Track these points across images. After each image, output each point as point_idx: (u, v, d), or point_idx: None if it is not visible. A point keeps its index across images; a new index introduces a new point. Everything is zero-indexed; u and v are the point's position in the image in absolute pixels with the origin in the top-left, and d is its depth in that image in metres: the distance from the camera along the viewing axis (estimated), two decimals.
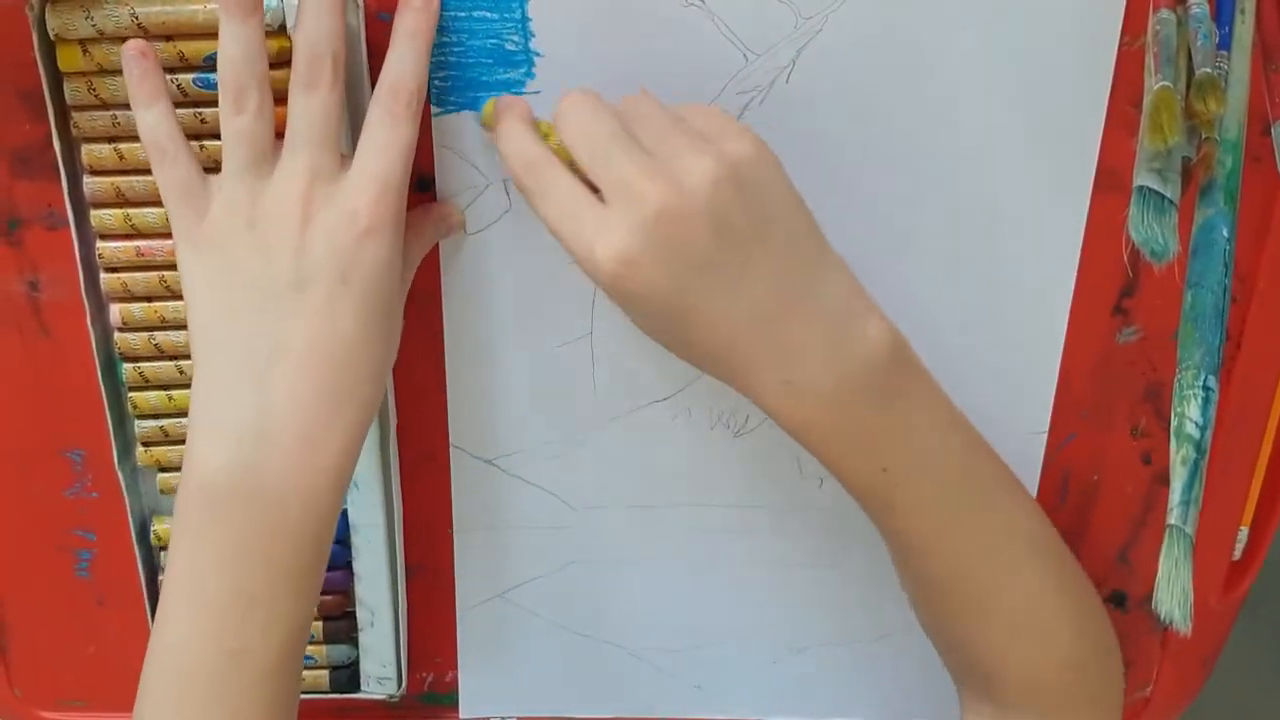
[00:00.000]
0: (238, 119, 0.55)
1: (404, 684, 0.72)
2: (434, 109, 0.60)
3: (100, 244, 0.62)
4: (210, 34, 0.57)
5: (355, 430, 0.56)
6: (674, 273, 0.52)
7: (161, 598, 0.57)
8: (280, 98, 0.57)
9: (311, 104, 0.55)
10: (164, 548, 0.69)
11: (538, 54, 0.59)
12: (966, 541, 0.60)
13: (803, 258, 0.55)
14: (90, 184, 0.60)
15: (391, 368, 0.60)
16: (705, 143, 0.53)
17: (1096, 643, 0.66)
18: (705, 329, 0.54)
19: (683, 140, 0.53)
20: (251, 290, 0.55)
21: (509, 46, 0.59)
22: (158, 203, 0.60)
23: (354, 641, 0.71)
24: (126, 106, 0.58)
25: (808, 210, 0.56)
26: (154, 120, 0.56)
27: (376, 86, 0.56)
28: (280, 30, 0.57)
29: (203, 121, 0.59)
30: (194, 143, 0.59)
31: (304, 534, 0.55)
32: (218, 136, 0.59)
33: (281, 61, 0.58)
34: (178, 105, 0.58)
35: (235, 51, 0.54)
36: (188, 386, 0.64)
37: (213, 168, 0.59)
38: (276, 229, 0.55)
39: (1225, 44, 0.55)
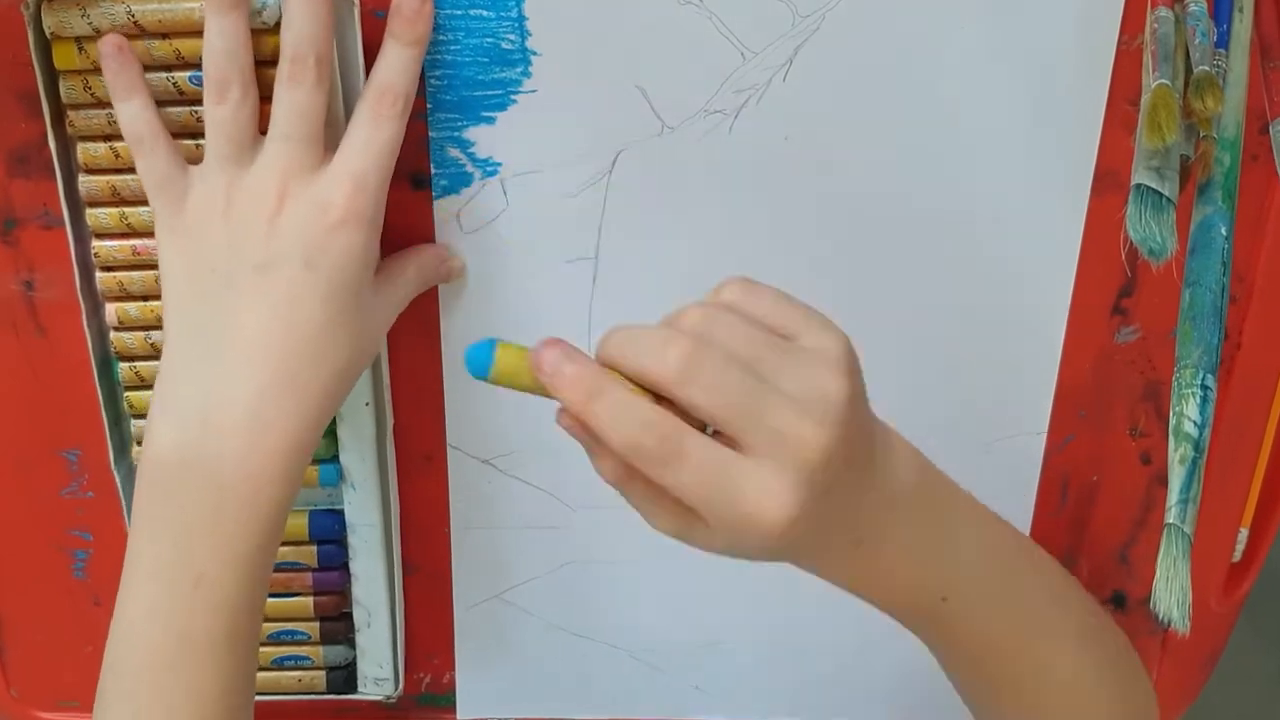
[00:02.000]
0: (219, 109, 0.56)
1: (401, 685, 0.72)
2: (429, 107, 0.60)
3: (96, 243, 0.62)
4: None
5: (311, 417, 0.56)
6: (830, 511, 0.50)
7: (122, 575, 0.57)
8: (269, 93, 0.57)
9: (295, 99, 0.56)
10: None
11: (534, 53, 0.59)
12: (1012, 641, 0.60)
13: (869, 441, 0.53)
14: (86, 183, 0.60)
15: (364, 366, 0.60)
16: (819, 358, 0.50)
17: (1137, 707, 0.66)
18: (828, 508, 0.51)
19: (798, 363, 0.50)
20: (216, 273, 0.56)
21: (505, 45, 0.59)
22: None
23: (351, 642, 0.71)
24: None
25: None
26: (132, 112, 0.57)
27: (365, 86, 0.57)
28: (276, 27, 0.57)
29: (199, 120, 0.59)
30: (190, 141, 0.59)
31: (251, 517, 0.55)
32: None
33: (276, 60, 0.57)
34: (174, 103, 0.58)
35: (218, 44, 0.55)
36: None
37: None
38: (248, 215, 0.56)
39: (1223, 42, 0.55)
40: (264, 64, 0.57)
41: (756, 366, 0.49)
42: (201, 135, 0.59)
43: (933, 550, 0.56)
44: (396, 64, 0.56)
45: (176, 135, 0.59)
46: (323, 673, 0.72)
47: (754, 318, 0.51)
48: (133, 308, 0.63)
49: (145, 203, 0.60)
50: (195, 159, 0.58)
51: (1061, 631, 0.62)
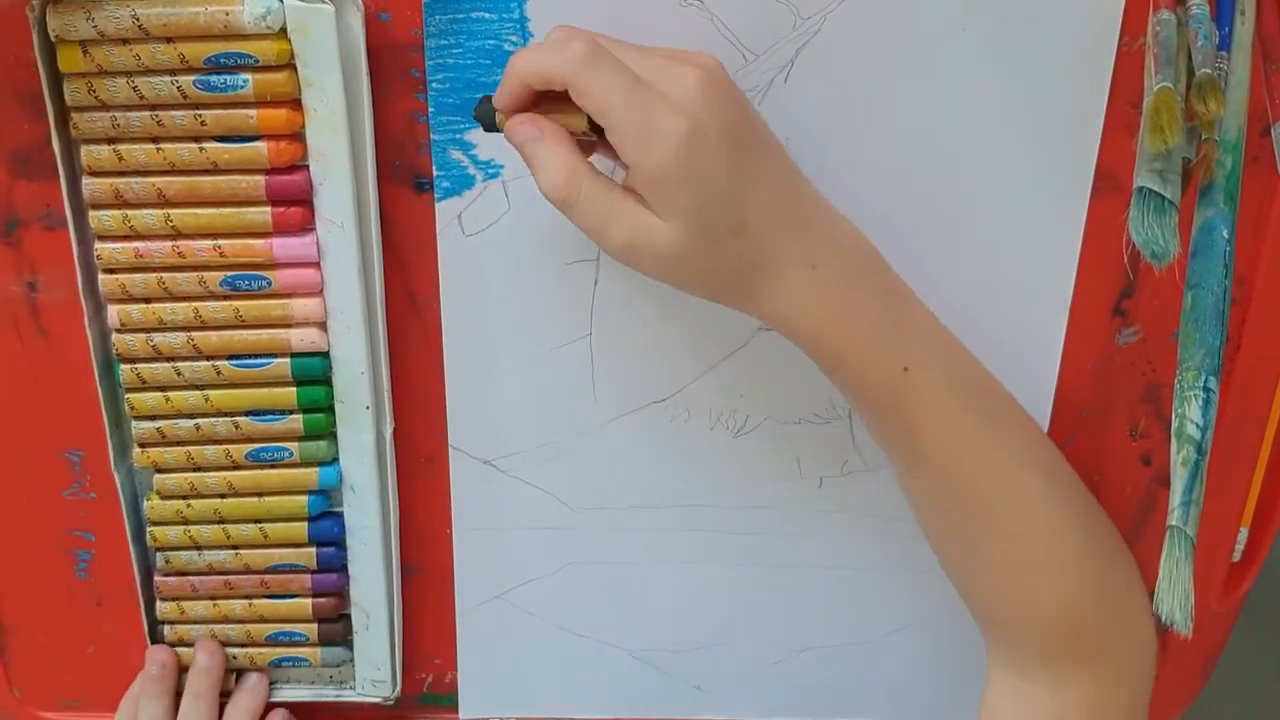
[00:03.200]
0: None
1: (398, 687, 0.72)
2: (431, 110, 0.60)
3: (99, 245, 0.62)
4: (211, 36, 0.57)
5: None
6: (729, 143, 0.54)
7: None
8: (281, 101, 0.57)
9: None
10: (160, 549, 0.69)
11: None
12: (979, 452, 0.61)
13: (780, 151, 0.58)
14: (89, 185, 0.60)
15: None
16: (687, 68, 0.55)
17: (1110, 591, 0.65)
18: (756, 207, 0.56)
19: (666, 51, 0.56)
20: None
21: (507, 47, 0.59)
22: (156, 204, 0.61)
23: (349, 644, 0.71)
24: (126, 108, 0.59)
25: None
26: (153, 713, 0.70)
27: None
28: (281, 33, 0.57)
29: (202, 124, 0.59)
30: (194, 144, 0.59)
31: None
32: (217, 138, 0.59)
33: (280, 65, 0.58)
34: (177, 107, 0.58)
35: None
36: (184, 388, 0.64)
37: (211, 169, 0.59)
38: None
39: (1225, 45, 0.55)
40: (268, 69, 0.58)
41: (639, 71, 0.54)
42: (203, 140, 0.59)
43: (891, 314, 0.59)
44: None
45: (180, 139, 0.59)
46: (321, 673, 0.73)
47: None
48: (135, 310, 0.63)
49: (148, 206, 0.61)
50: (197, 163, 0.58)
51: (1027, 457, 0.63)
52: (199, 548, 0.69)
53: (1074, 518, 0.64)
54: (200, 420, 0.65)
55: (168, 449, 0.66)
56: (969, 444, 0.61)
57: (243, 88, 0.58)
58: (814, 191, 0.59)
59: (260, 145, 0.59)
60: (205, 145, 0.59)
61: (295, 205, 0.61)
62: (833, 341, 0.58)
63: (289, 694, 0.73)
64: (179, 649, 0.71)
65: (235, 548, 0.68)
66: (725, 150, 0.54)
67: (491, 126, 0.57)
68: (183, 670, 0.71)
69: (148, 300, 0.63)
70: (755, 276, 0.57)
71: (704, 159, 0.54)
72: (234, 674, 0.72)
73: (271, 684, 0.73)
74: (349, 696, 0.73)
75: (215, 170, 0.60)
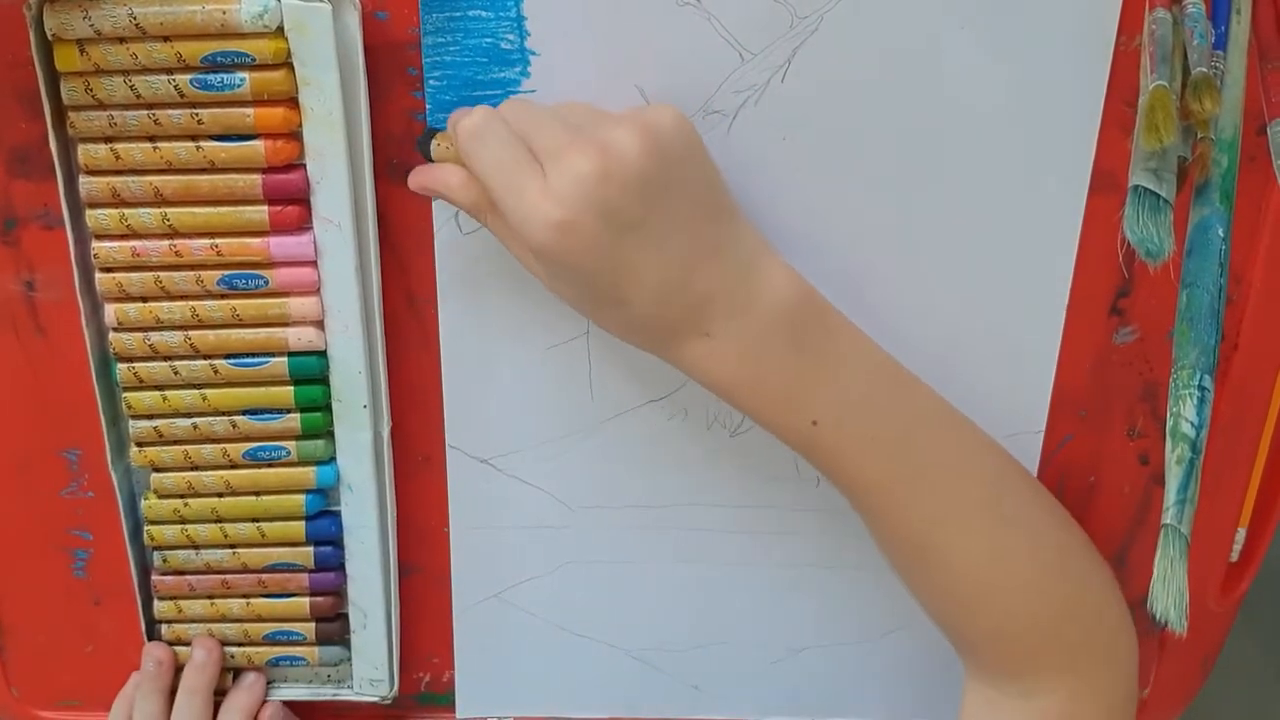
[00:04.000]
0: None
1: (396, 686, 0.72)
2: (429, 108, 0.60)
3: (96, 244, 0.62)
4: (208, 34, 0.57)
5: None
6: (611, 231, 0.54)
7: None
8: (278, 99, 0.58)
9: None
10: (157, 548, 0.69)
11: (533, 53, 0.59)
12: (904, 501, 0.61)
13: (713, 214, 0.57)
14: (86, 184, 0.60)
15: None
16: (624, 117, 0.55)
17: (1077, 609, 0.64)
18: (636, 287, 0.56)
19: (603, 117, 0.56)
20: None
21: (504, 45, 0.59)
22: (153, 203, 0.61)
23: (346, 643, 0.71)
24: (123, 107, 0.59)
25: (718, 171, 0.58)
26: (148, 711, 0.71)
27: None
28: (278, 31, 0.57)
29: (200, 122, 0.59)
30: (190, 143, 0.59)
31: None
32: (215, 137, 0.59)
33: (277, 63, 0.58)
34: (174, 106, 0.59)
35: None
36: (182, 387, 0.64)
37: (208, 168, 0.59)
38: None
39: (1221, 43, 0.55)
40: (266, 67, 0.58)
41: (554, 118, 0.56)
42: (200, 139, 0.59)
43: (803, 371, 0.59)
44: None
45: (177, 138, 0.59)
46: (318, 673, 0.73)
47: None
48: (132, 309, 0.63)
49: (146, 205, 0.61)
50: (193, 162, 0.58)
51: (969, 499, 0.62)
52: (196, 547, 0.69)
53: (1027, 546, 0.63)
54: (198, 419, 0.65)
55: (165, 448, 0.66)
56: (891, 494, 0.61)
57: (240, 86, 0.58)
58: (742, 241, 0.58)
59: (257, 144, 0.59)
60: (202, 144, 0.59)
61: (292, 204, 0.61)
62: (739, 399, 0.59)
63: (286, 693, 0.73)
64: (176, 647, 0.71)
65: (233, 547, 0.69)
66: (607, 236, 0.54)
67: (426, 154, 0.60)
68: (179, 669, 0.71)
69: (145, 299, 0.63)
70: (651, 341, 0.59)
71: (576, 245, 0.54)
72: (231, 673, 0.72)
73: (269, 683, 0.73)
74: (346, 695, 0.73)
75: (212, 169, 0.60)
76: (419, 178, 0.60)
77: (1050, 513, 0.65)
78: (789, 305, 0.58)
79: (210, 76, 0.58)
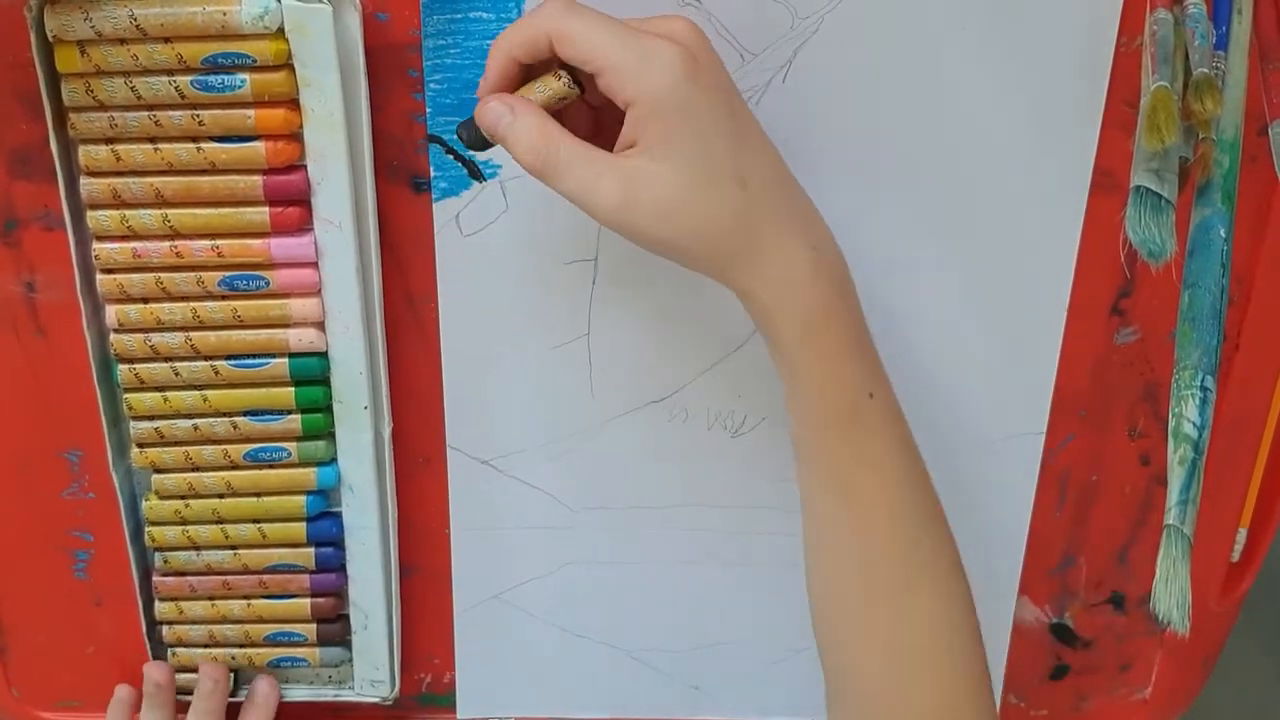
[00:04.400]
0: None
1: (397, 687, 0.72)
2: (429, 110, 0.60)
3: (97, 245, 0.62)
4: (208, 36, 0.57)
5: None
6: (725, 97, 0.53)
7: None
8: (279, 101, 0.57)
9: None
10: (158, 549, 0.69)
11: None
12: (915, 494, 0.59)
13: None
14: (87, 185, 0.60)
15: None
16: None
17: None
18: (757, 168, 0.54)
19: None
20: None
21: None
22: (154, 204, 0.61)
23: (348, 644, 0.71)
24: (124, 108, 0.59)
25: None
26: None
27: None
28: (279, 33, 0.57)
29: (200, 124, 0.59)
30: (191, 144, 0.59)
31: None
32: (215, 138, 0.59)
33: (278, 65, 0.58)
34: (175, 107, 0.58)
35: None
36: (183, 388, 0.64)
37: (209, 169, 0.59)
38: None
39: (1222, 44, 0.55)
40: (266, 69, 0.58)
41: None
42: (200, 140, 0.59)
43: (864, 332, 0.57)
44: None
45: (177, 139, 0.59)
46: (319, 673, 0.73)
47: None
48: (133, 310, 0.63)
49: (146, 206, 0.61)
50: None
51: (940, 516, 0.60)
52: (197, 548, 0.69)
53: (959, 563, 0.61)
54: (199, 420, 0.65)
55: (166, 449, 0.66)
56: (909, 482, 0.59)
57: (240, 88, 0.58)
58: (805, 193, 0.57)
59: (258, 145, 0.59)
60: (203, 145, 0.59)
61: (293, 205, 0.61)
62: (816, 338, 0.55)
63: (288, 694, 0.73)
64: (177, 649, 0.71)
65: (234, 548, 0.68)
66: (722, 97, 0.53)
67: (477, 144, 0.55)
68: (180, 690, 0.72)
69: (146, 300, 0.63)
70: (755, 240, 0.54)
71: (704, 91, 0.52)
72: (232, 672, 0.72)
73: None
74: (348, 696, 0.73)
75: (213, 170, 0.60)
76: (496, 108, 0.54)
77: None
78: (844, 271, 0.57)
79: (211, 78, 0.58)
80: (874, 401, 0.57)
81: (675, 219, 0.53)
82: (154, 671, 0.71)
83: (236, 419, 0.65)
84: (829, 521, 0.59)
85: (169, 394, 0.65)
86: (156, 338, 0.63)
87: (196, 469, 0.67)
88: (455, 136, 0.60)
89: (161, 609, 0.70)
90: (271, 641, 0.71)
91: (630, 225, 0.53)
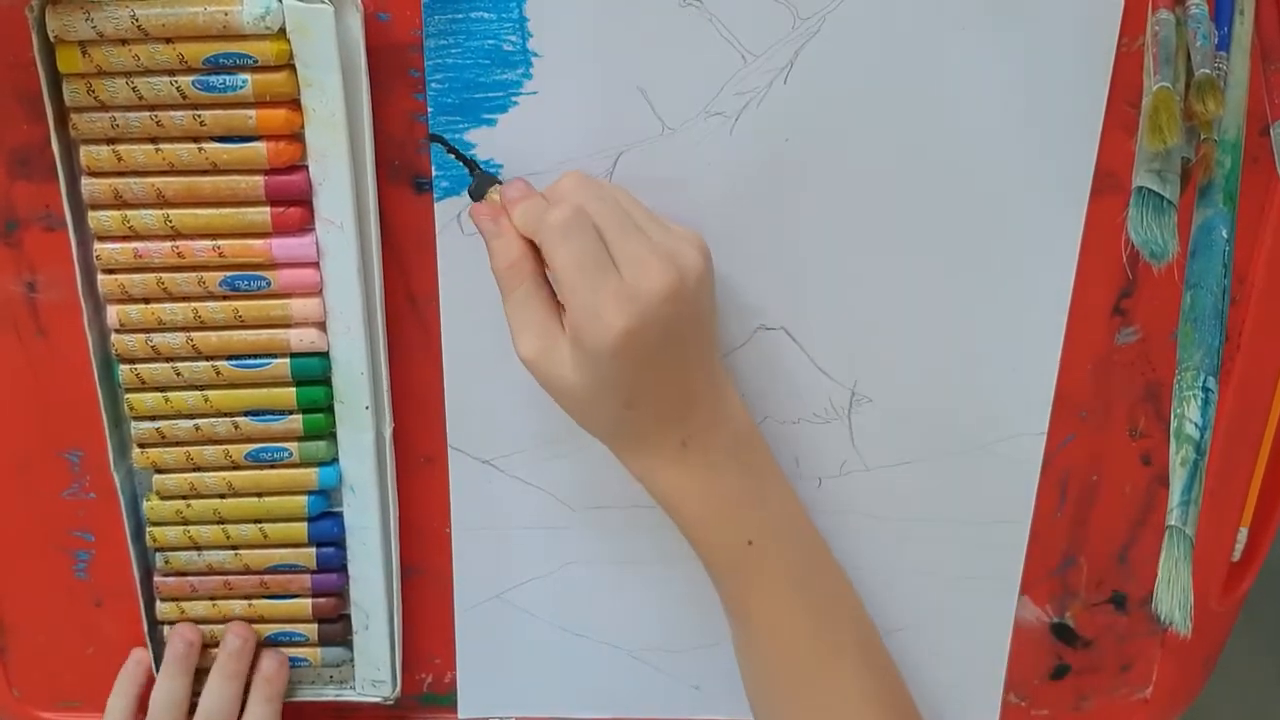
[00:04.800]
0: None
1: (398, 687, 0.72)
2: (431, 110, 0.60)
3: (98, 245, 0.62)
4: (210, 36, 0.57)
5: None
6: (660, 343, 0.57)
7: None
8: (280, 101, 0.58)
9: None
10: (160, 549, 0.69)
11: (536, 54, 0.59)
12: (802, 630, 0.64)
13: (713, 333, 0.62)
14: (88, 185, 0.60)
15: None
16: (684, 234, 0.59)
17: None
18: (651, 394, 0.59)
19: (662, 225, 0.59)
20: None
21: (506, 47, 0.59)
22: (155, 205, 0.61)
23: (349, 644, 0.71)
24: (125, 108, 0.59)
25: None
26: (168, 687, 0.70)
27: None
28: (280, 33, 0.57)
29: (202, 124, 0.59)
30: (193, 144, 0.59)
31: None
32: (216, 138, 0.59)
33: (279, 65, 0.58)
34: (176, 107, 0.58)
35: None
36: (184, 388, 0.64)
37: (210, 170, 0.59)
38: None
39: (1224, 44, 0.55)
40: (268, 69, 0.58)
41: (611, 248, 0.58)
42: (202, 141, 0.59)
43: (747, 491, 0.63)
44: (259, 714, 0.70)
45: (179, 140, 0.59)
46: (320, 674, 0.73)
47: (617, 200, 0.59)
48: (134, 310, 0.63)
49: (148, 207, 0.61)
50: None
51: (846, 640, 0.65)
52: (199, 548, 0.69)
53: (884, 698, 0.66)
54: (200, 421, 0.65)
55: (167, 449, 0.66)
56: (794, 621, 0.64)
57: (242, 88, 0.58)
58: (719, 366, 0.62)
59: (259, 145, 0.59)
60: (204, 146, 0.59)
61: (294, 205, 0.61)
62: (689, 510, 0.62)
63: (288, 694, 0.73)
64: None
65: (235, 548, 0.68)
66: (651, 349, 0.57)
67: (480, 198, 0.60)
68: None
69: (147, 301, 0.63)
70: (631, 443, 0.61)
71: (628, 357, 0.57)
72: None
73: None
74: (349, 696, 0.73)
75: (214, 171, 0.60)
76: (484, 223, 0.60)
77: (897, 673, 0.69)
78: (746, 428, 0.63)
79: (212, 78, 0.58)
80: (753, 548, 0.63)
81: (565, 404, 0.60)
82: (188, 632, 0.70)
83: (238, 419, 0.65)
84: (735, 639, 0.67)
85: (170, 394, 0.65)
86: (158, 338, 0.63)
87: (198, 469, 0.67)
88: (456, 136, 0.60)
89: (163, 609, 0.70)
90: (272, 642, 0.71)
91: (533, 374, 0.60)
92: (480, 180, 0.60)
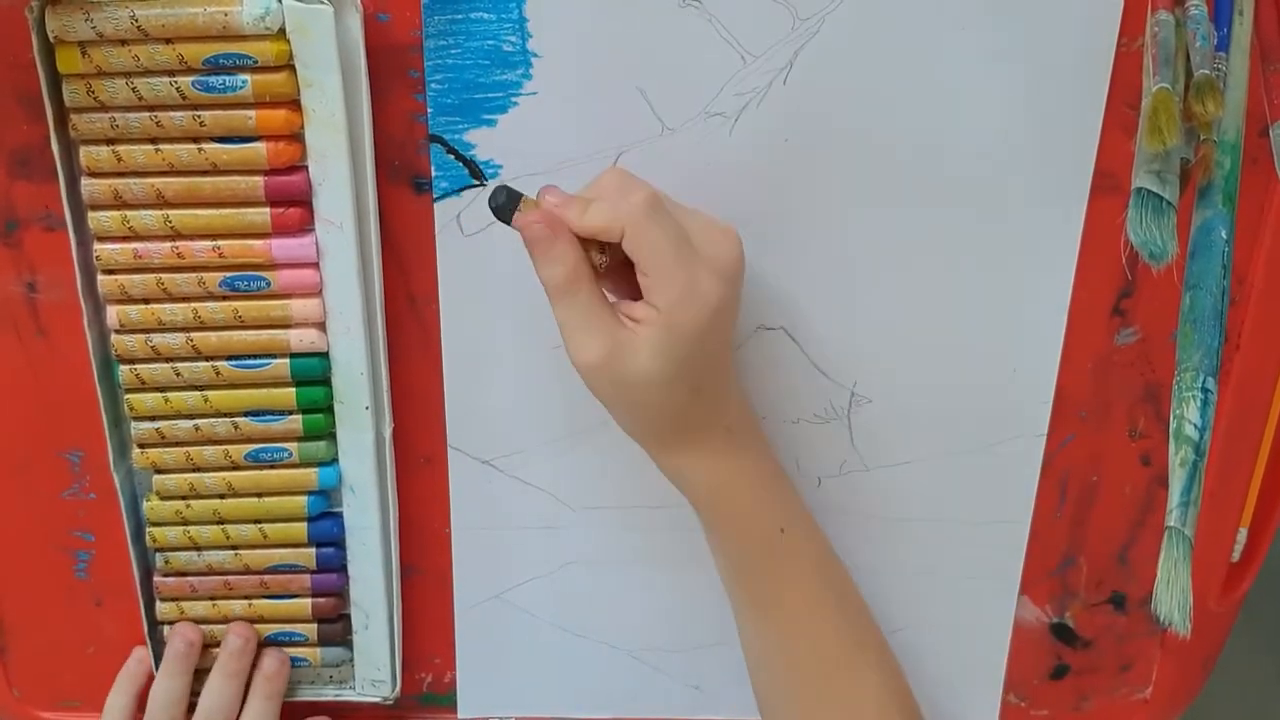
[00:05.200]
0: None
1: (398, 687, 0.72)
2: (430, 110, 0.60)
3: (98, 245, 0.62)
4: (209, 37, 0.57)
5: None
6: (731, 317, 0.59)
7: None
8: (280, 101, 0.58)
9: None
10: (159, 549, 0.69)
11: (535, 55, 0.59)
12: (829, 619, 0.65)
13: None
14: (88, 185, 0.60)
15: None
16: (725, 226, 0.59)
17: None
18: (712, 375, 0.59)
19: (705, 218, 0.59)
20: None
21: (506, 47, 0.59)
22: (155, 205, 0.61)
23: (349, 644, 0.71)
24: (125, 109, 0.59)
25: None
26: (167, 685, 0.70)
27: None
28: (280, 33, 0.57)
29: (201, 124, 0.59)
30: (193, 145, 0.59)
31: None
32: (216, 139, 0.59)
33: (279, 65, 0.58)
34: (176, 108, 0.58)
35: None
36: (184, 389, 0.64)
37: (210, 170, 0.59)
38: None
39: (1224, 45, 0.55)
40: (267, 69, 0.58)
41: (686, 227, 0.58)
42: (202, 141, 0.59)
43: (773, 478, 0.64)
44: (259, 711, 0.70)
45: (178, 140, 0.59)
46: (320, 673, 0.73)
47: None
48: (134, 310, 0.63)
49: (148, 207, 0.61)
50: (193, 159, 0.57)
51: (864, 636, 0.66)
52: (198, 548, 0.69)
53: (899, 694, 0.66)
54: (199, 421, 0.65)
55: (167, 450, 0.66)
56: (825, 611, 0.64)
57: (242, 88, 0.58)
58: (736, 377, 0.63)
59: (259, 146, 0.59)
60: (204, 146, 0.59)
61: (294, 206, 0.61)
62: (733, 498, 0.62)
63: (288, 694, 0.73)
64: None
65: (235, 548, 0.69)
66: (724, 324, 0.58)
67: (501, 216, 0.57)
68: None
69: (147, 301, 0.63)
70: (689, 433, 0.60)
71: (720, 328, 0.58)
72: None
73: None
74: (349, 696, 0.73)
75: (214, 171, 0.60)
76: (538, 230, 0.57)
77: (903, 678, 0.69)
78: (757, 421, 0.64)
79: (212, 78, 0.58)
80: (785, 535, 0.63)
81: (632, 401, 0.59)
82: (189, 631, 0.70)
83: (237, 419, 0.65)
84: (756, 634, 0.66)
85: (170, 394, 0.65)
86: (157, 338, 0.63)
87: (197, 469, 0.67)
88: (456, 136, 0.60)
89: (163, 609, 0.70)
90: (272, 641, 0.71)
91: (596, 381, 0.58)
92: (508, 195, 0.57)
